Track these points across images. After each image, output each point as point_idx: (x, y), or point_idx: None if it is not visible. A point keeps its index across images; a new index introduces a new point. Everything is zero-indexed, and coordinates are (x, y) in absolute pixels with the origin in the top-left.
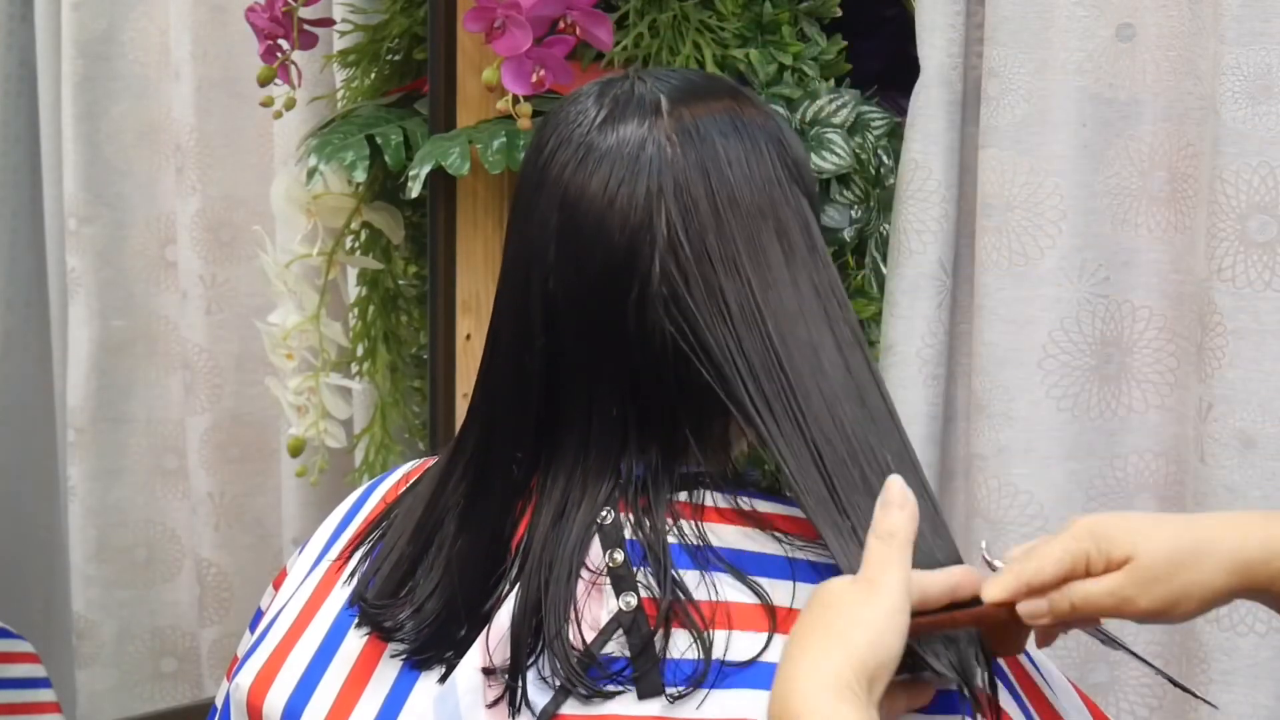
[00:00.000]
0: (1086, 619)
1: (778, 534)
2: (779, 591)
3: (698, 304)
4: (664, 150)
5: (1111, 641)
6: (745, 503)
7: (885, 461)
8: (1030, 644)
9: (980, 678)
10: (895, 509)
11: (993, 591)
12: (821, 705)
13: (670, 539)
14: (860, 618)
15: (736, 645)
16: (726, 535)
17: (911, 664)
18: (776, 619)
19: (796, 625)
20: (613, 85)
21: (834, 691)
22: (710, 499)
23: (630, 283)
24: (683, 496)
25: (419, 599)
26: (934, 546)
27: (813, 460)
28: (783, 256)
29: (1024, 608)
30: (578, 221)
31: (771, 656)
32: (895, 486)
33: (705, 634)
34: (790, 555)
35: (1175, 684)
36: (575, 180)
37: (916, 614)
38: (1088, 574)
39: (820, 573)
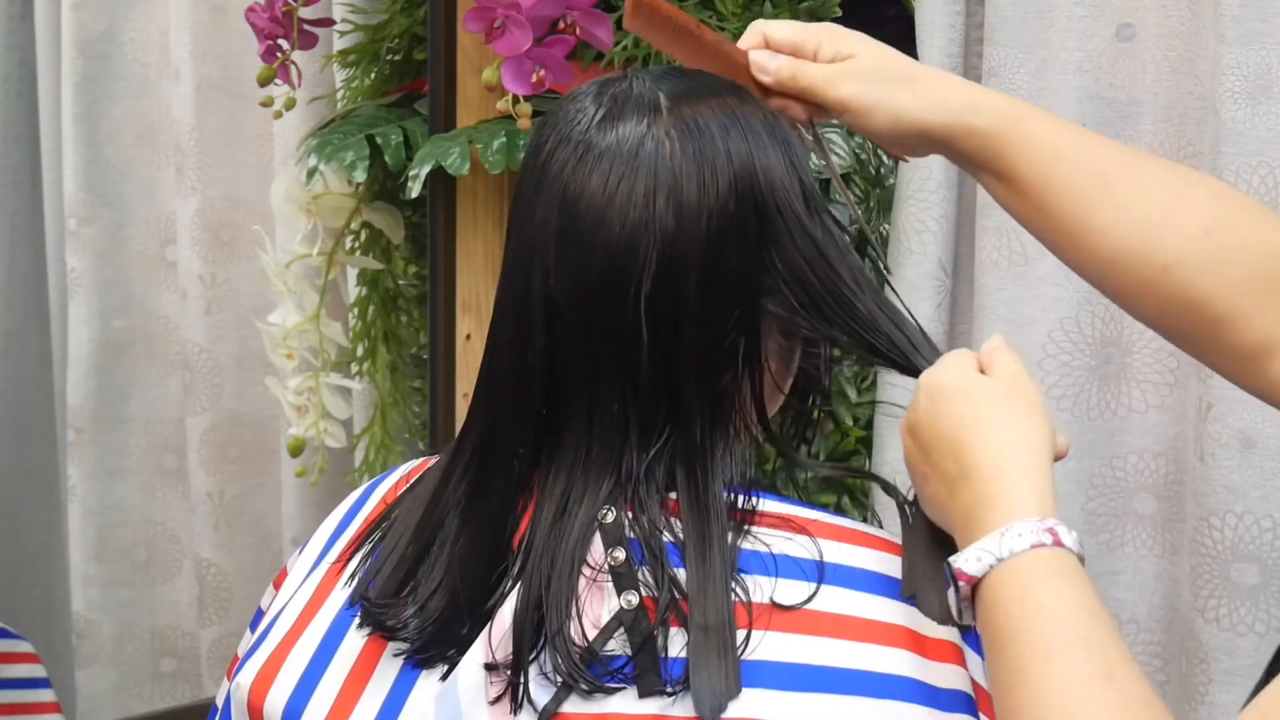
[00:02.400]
0: (797, 91)
1: (771, 530)
2: (769, 587)
3: (695, 302)
4: (663, 146)
5: (820, 146)
6: (743, 500)
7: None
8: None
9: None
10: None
11: (744, 40)
12: (1035, 485)
13: (665, 537)
14: (1031, 402)
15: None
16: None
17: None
18: (756, 616)
19: (941, 404)
20: (611, 84)
21: (1042, 472)
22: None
23: (630, 280)
24: (676, 494)
25: (421, 598)
26: None
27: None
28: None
29: (755, 54)
30: (577, 219)
31: (765, 654)
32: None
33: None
34: (785, 551)
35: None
36: (575, 178)
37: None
38: (814, 59)
39: (805, 569)
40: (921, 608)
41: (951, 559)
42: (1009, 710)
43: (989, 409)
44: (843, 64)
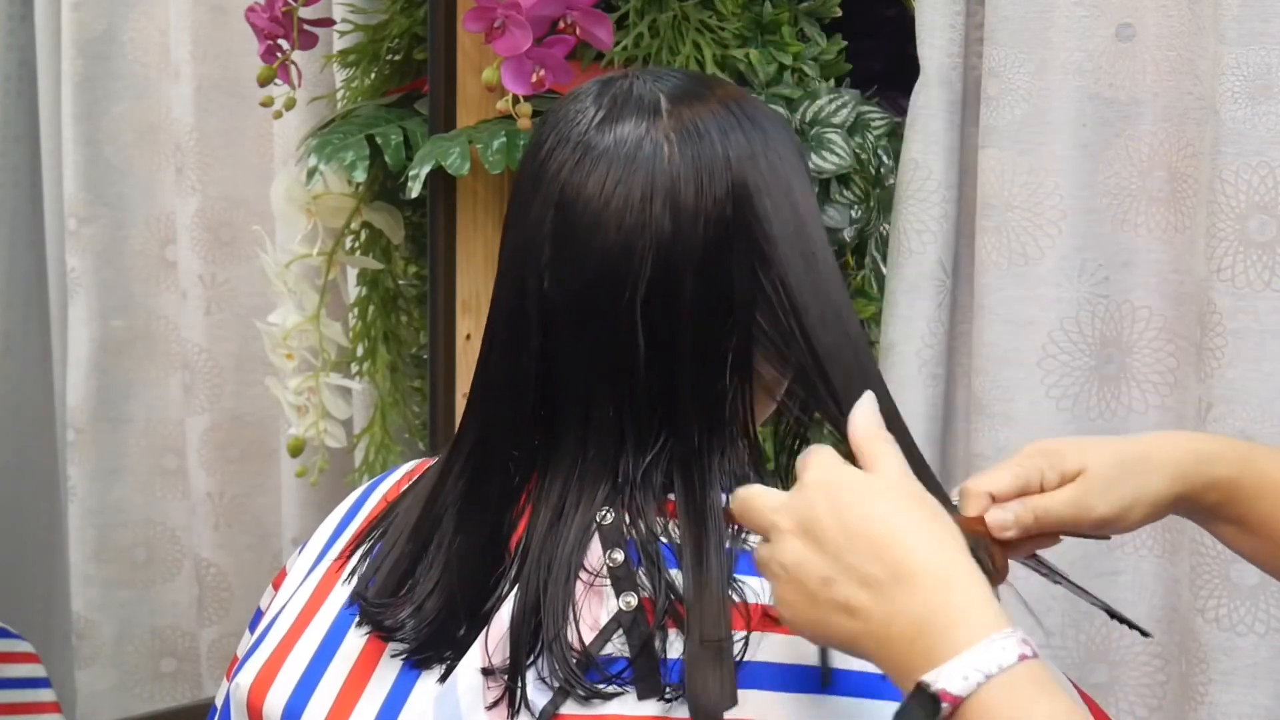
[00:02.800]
0: (1048, 530)
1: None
2: (760, 591)
3: (691, 306)
4: (661, 149)
5: (1055, 574)
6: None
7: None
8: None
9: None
10: (873, 416)
11: (968, 509)
12: (990, 595)
13: (661, 540)
14: (941, 512)
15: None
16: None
17: None
18: (753, 618)
19: (841, 505)
20: (611, 85)
21: (989, 594)
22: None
23: (626, 283)
24: (673, 497)
25: (419, 597)
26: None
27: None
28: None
29: (992, 516)
30: (574, 221)
31: (760, 656)
32: (868, 399)
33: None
34: None
35: (1114, 615)
36: (572, 180)
37: None
38: (1042, 490)
39: None
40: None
41: (927, 677)
42: None
43: (910, 509)
44: (1080, 483)
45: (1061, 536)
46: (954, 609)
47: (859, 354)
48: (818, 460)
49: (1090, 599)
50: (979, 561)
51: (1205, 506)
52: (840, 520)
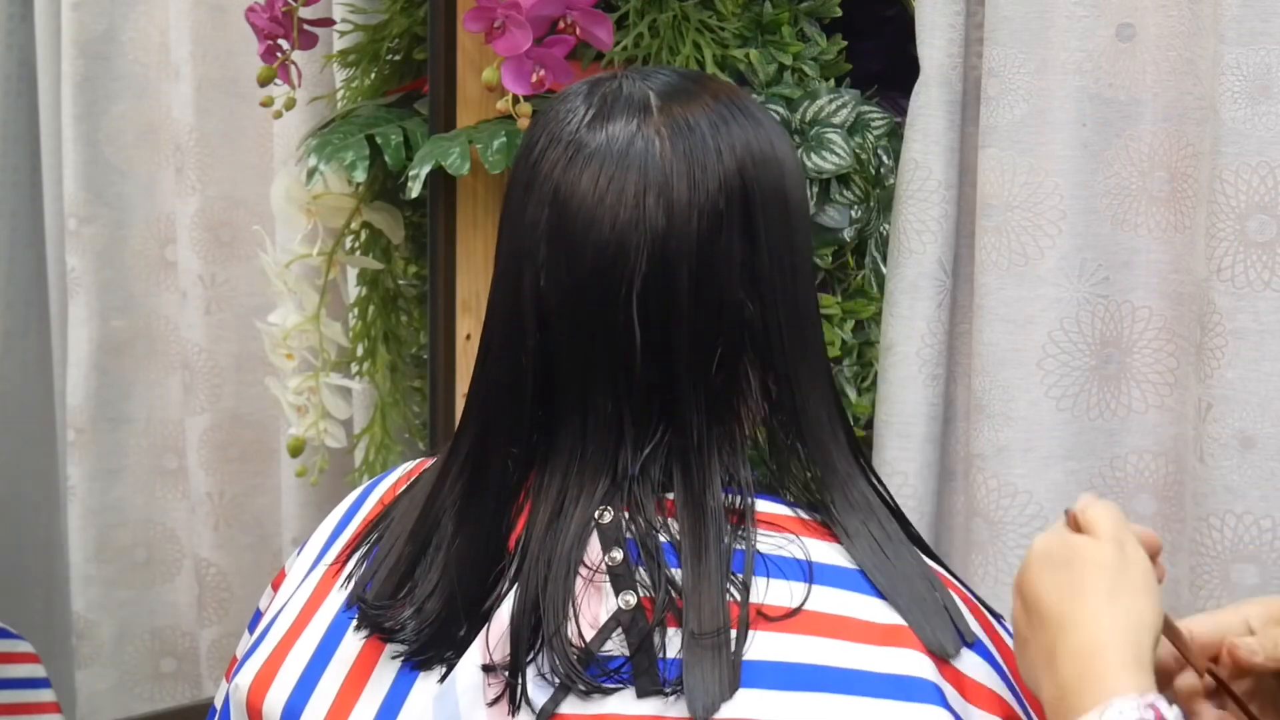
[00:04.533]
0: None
1: (766, 531)
2: (764, 588)
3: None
4: (653, 145)
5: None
6: (739, 500)
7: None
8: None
9: None
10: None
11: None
12: (1131, 663)
13: (661, 537)
14: (1134, 580)
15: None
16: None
17: None
18: (752, 616)
19: (1046, 572)
20: (601, 84)
21: (1139, 651)
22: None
23: (621, 279)
24: (671, 494)
25: (419, 599)
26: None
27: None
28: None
29: (1239, 640)
30: (568, 219)
31: (753, 654)
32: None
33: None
34: (779, 552)
35: None
36: (565, 178)
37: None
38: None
39: (798, 569)
40: None
41: None
42: None
43: (1093, 583)
44: None
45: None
46: (1092, 675)
47: (810, 352)
48: (1055, 526)
49: None
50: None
51: None
52: (1037, 588)
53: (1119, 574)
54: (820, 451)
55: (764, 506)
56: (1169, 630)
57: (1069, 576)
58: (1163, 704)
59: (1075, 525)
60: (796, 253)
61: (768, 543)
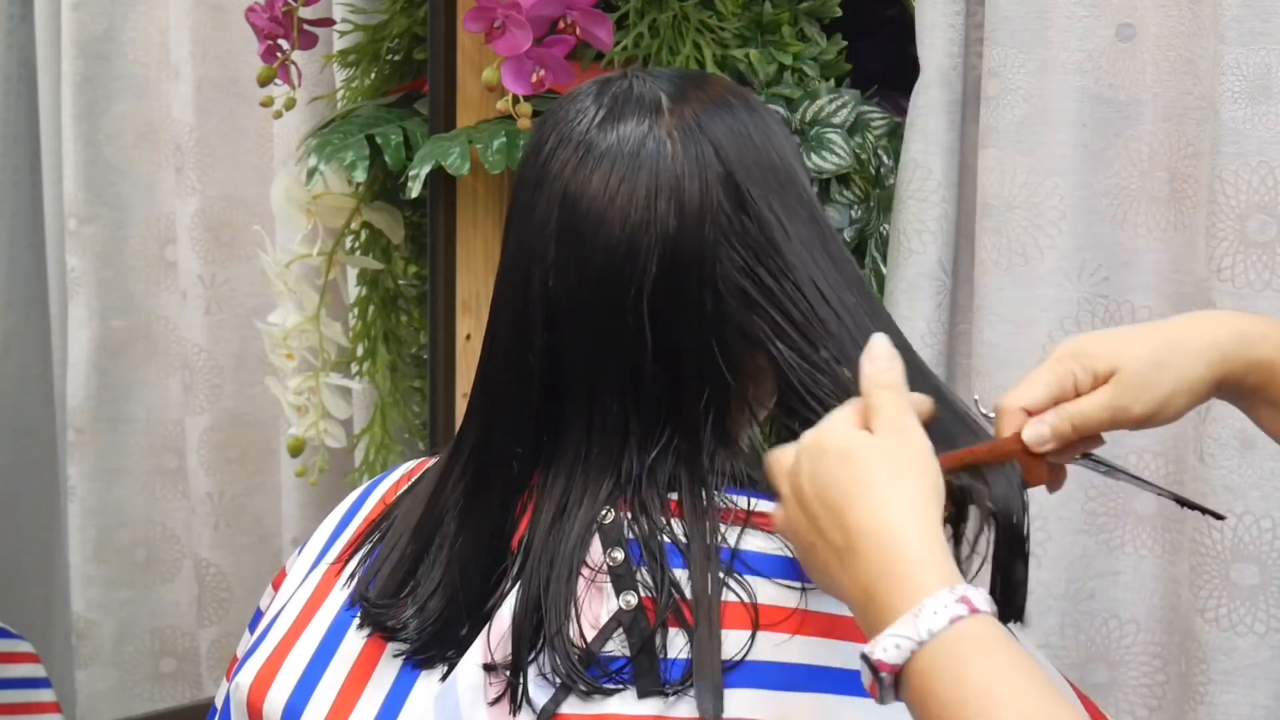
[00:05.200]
0: (1087, 437)
1: (771, 531)
2: (769, 589)
3: (696, 303)
4: (664, 147)
5: (1112, 469)
6: (741, 501)
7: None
8: (1028, 643)
9: (1019, 514)
10: (885, 361)
11: (1002, 430)
12: (931, 553)
13: (665, 538)
14: (914, 461)
15: (726, 644)
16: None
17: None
18: (759, 616)
19: (825, 469)
20: (611, 84)
21: (935, 536)
22: (707, 497)
23: (631, 281)
24: (675, 495)
25: (421, 598)
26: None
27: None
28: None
29: (1028, 433)
30: (578, 220)
31: (758, 655)
32: (880, 342)
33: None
34: (785, 553)
35: (1184, 503)
36: (575, 179)
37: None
38: (1077, 394)
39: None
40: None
41: (865, 648)
42: None
43: (870, 471)
44: (1115, 383)
45: (1103, 436)
46: (895, 574)
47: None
48: (821, 423)
49: (1155, 489)
50: (1003, 490)
51: (1246, 389)
52: (814, 485)
53: (894, 457)
54: None
55: (770, 508)
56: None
57: (848, 469)
58: (973, 593)
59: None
60: (825, 234)
61: (772, 544)
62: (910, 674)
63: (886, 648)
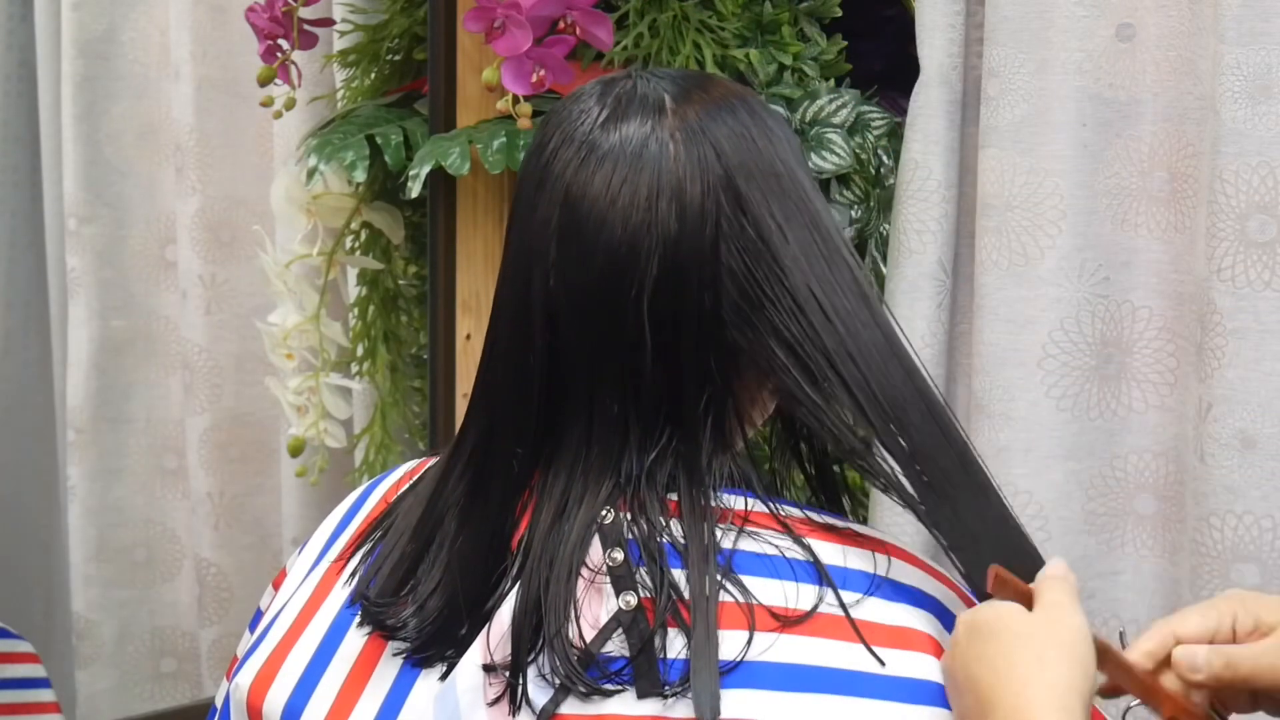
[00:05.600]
0: (1238, 681)
1: (770, 532)
2: (768, 590)
3: (697, 304)
4: (666, 148)
5: None
6: (739, 502)
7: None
8: None
9: None
10: (1063, 567)
11: (1142, 645)
12: None
13: (664, 539)
14: (1064, 643)
15: (725, 645)
16: (724, 535)
17: None
18: (755, 617)
19: (974, 645)
20: (614, 84)
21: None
22: (705, 498)
23: (632, 281)
24: (675, 496)
25: (421, 597)
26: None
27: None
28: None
29: (1179, 653)
30: (580, 220)
31: (755, 655)
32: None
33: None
34: (784, 554)
35: None
36: (578, 179)
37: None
38: (1235, 638)
39: (802, 571)
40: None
41: None
42: None
43: (1017, 651)
44: (1277, 636)
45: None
46: None
47: (882, 354)
48: (987, 603)
49: None
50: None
51: None
52: (965, 662)
53: (1048, 641)
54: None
55: (769, 508)
56: (1109, 663)
57: (997, 648)
58: None
59: (999, 583)
60: (827, 237)
61: (772, 544)
62: None
63: None
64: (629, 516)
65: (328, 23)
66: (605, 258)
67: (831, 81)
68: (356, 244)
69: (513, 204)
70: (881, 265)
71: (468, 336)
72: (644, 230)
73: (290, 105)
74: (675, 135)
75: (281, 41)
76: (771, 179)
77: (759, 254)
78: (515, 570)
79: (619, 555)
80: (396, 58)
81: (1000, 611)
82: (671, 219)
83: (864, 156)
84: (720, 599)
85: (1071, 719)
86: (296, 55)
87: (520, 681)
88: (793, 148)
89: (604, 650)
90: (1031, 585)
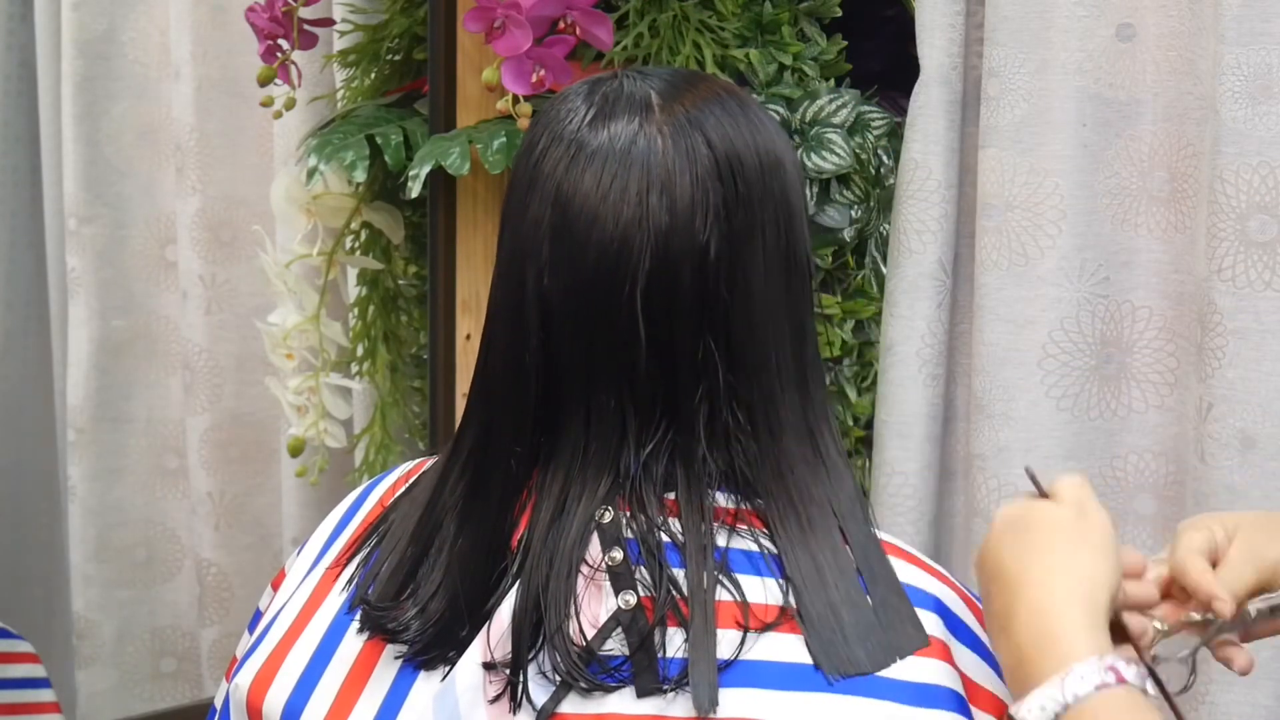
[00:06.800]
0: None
1: (765, 531)
2: (764, 588)
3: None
4: (655, 143)
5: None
6: (737, 500)
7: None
8: None
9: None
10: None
11: (1152, 574)
12: (1089, 627)
13: (662, 536)
14: (1092, 540)
15: (723, 644)
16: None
17: None
18: (750, 616)
19: (1007, 536)
20: (601, 84)
21: (1097, 610)
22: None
23: (625, 277)
24: (673, 495)
25: (422, 599)
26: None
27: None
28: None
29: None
30: (571, 218)
31: (750, 654)
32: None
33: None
34: (774, 552)
35: None
36: (568, 178)
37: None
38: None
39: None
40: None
41: (1012, 709)
42: None
43: (1048, 543)
44: (1241, 540)
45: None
46: (1047, 639)
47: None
48: (1023, 499)
49: None
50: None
51: None
52: (995, 554)
53: (1076, 533)
54: (777, 446)
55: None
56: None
57: (1028, 539)
58: (1121, 664)
59: (1037, 488)
60: (794, 252)
61: (770, 543)
62: None
63: (1031, 709)
64: (627, 514)
65: (328, 23)
66: (598, 254)
67: (831, 81)
68: (356, 244)
69: (504, 205)
70: (881, 265)
71: (467, 336)
72: (635, 225)
73: (290, 105)
74: (663, 130)
75: (281, 41)
76: (759, 170)
77: (741, 245)
78: (515, 569)
79: (618, 554)
80: (396, 58)
81: (1033, 505)
82: (662, 212)
83: (864, 156)
84: (718, 597)
85: (1096, 610)
86: (296, 55)
87: (520, 679)
88: (779, 136)
89: (604, 648)
90: (1049, 486)
